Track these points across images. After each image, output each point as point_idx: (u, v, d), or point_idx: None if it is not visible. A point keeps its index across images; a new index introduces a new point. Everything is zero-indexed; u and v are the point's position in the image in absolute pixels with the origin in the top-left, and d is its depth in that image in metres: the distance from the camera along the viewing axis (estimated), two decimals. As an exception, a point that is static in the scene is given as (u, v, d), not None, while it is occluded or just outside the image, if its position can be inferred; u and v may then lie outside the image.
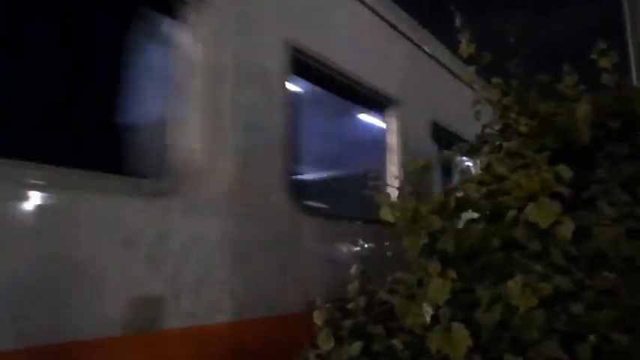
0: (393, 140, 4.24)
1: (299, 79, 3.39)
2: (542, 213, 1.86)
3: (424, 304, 1.88)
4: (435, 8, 3.84)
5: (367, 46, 3.96)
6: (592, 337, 1.77)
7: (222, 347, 2.45)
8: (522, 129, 2.30)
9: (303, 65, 3.26)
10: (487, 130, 2.60)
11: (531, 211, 1.88)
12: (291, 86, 3.16)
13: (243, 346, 2.52)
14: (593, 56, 2.37)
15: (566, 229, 1.85)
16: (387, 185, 3.73)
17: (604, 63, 2.34)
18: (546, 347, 1.73)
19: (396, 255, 2.16)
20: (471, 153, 2.59)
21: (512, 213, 2.01)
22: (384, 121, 4.30)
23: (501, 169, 2.16)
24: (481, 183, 2.22)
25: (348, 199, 3.97)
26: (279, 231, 2.91)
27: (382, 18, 4.17)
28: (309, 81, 3.53)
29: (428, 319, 1.86)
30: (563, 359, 1.71)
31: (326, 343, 2.05)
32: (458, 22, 2.45)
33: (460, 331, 1.73)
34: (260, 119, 2.82)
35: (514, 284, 1.79)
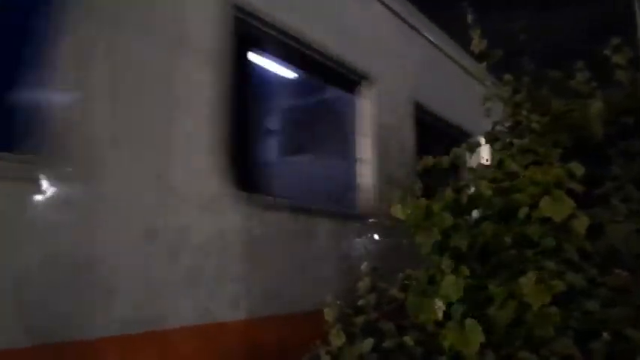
0: (366, 123, 3.66)
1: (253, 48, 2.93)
2: (556, 207, 1.85)
3: (436, 300, 1.87)
4: (446, 7, 3.73)
5: (332, 10, 3.33)
6: (606, 334, 1.77)
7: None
8: (534, 126, 2.29)
9: (256, 32, 2.76)
10: (498, 128, 2.59)
11: (545, 205, 1.87)
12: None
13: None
14: (607, 52, 2.36)
15: (581, 223, 1.84)
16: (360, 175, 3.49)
17: (618, 59, 2.32)
18: (560, 344, 1.73)
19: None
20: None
21: (524, 210, 2.00)
22: (356, 101, 3.68)
23: (513, 166, 2.15)
24: (493, 180, 2.21)
25: (314, 189, 3.70)
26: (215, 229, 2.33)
27: None
28: (265, 51, 3.02)
29: (440, 315, 1.85)
30: (577, 356, 1.71)
31: (337, 340, 2.05)
32: (470, 18, 2.44)
33: (473, 327, 1.73)
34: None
35: (527, 281, 1.78)
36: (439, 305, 1.81)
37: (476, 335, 1.68)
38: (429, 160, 2.48)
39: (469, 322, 1.72)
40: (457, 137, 4.31)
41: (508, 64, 2.59)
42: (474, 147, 2.59)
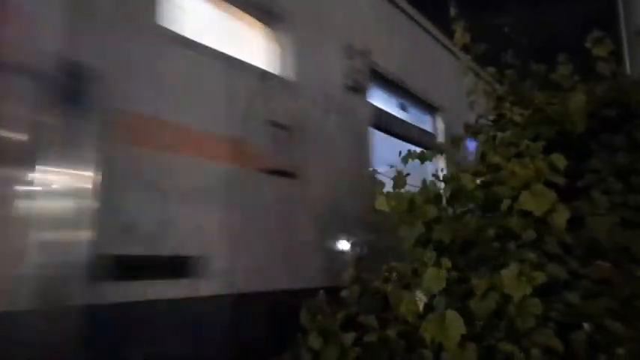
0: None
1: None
2: (536, 201, 1.85)
3: (417, 292, 1.86)
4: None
5: None
6: (587, 326, 1.77)
7: None
8: (517, 118, 2.29)
9: None
10: (481, 121, 2.59)
11: (525, 199, 1.87)
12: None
13: None
14: (588, 45, 2.36)
15: (561, 217, 1.84)
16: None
17: (599, 51, 2.33)
18: (541, 336, 1.73)
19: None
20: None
21: (506, 202, 2.00)
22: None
23: (496, 159, 2.15)
24: (476, 173, 2.21)
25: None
26: None
27: None
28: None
29: (421, 307, 1.85)
30: (557, 348, 1.71)
31: (315, 343, 2.03)
32: (453, 12, 2.44)
33: (454, 319, 1.72)
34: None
35: (509, 273, 1.78)
36: (420, 297, 1.80)
37: (456, 327, 1.68)
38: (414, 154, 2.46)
39: (449, 314, 1.71)
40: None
41: (496, 58, 2.59)
42: (458, 141, 2.59)
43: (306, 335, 2.08)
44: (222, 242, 2.28)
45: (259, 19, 2.79)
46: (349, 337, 2.04)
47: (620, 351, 1.69)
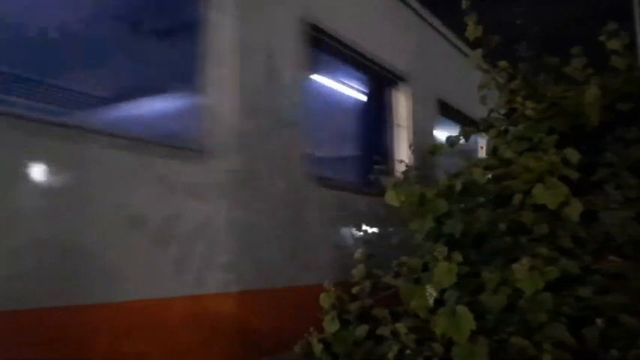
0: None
1: None
2: (550, 194, 1.84)
3: (427, 287, 1.87)
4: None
5: None
6: (599, 321, 1.76)
7: None
8: (529, 112, 2.27)
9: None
10: (493, 115, 2.58)
11: (539, 192, 1.86)
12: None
13: None
14: (602, 38, 2.33)
15: (574, 210, 1.83)
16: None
17: (613, 45, 2.30)
18: (553, 330, 1.72)
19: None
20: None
21: (518, 196, 1.99)
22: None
23: (508, 153, 2.14)
24: (487, 167, 2.20)
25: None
26: None
27: None
28: None
29: (431, 301, 1.85)
30: (570, 343, 1.70)
31: (331, 326, 2.05)
32: (465, 4, 2.42)
33: (464, 314, 1.72)
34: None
35: (521, 267, 1.77)
36: (430, 292, 1.81)
37: (467, 322, 1.68)
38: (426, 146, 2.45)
39: (460, 308, 1.71)
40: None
41: (508, 52, 2.57)
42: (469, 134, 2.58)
43: (318, 325, 2.09)
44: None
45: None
46: (362, 330, 2.05)
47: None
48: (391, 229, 3.32)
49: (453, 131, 2.67)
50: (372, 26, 3.50)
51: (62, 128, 1.82)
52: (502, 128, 2.43)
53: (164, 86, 2.68)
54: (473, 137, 2.64)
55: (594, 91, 2.09)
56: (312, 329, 2.11)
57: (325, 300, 2.07)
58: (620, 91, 2.16)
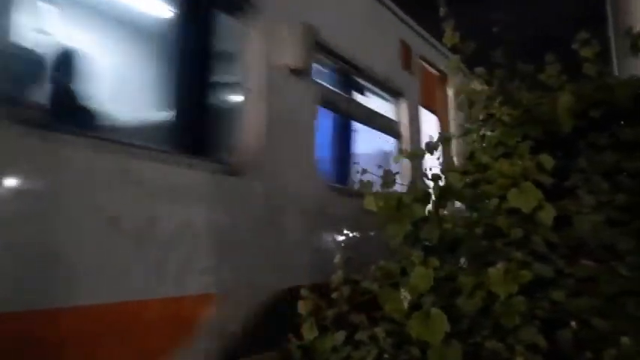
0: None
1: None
2: (524, 198, 1.87)
3: (402, 291, 1.88)
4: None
5: None
6: (573, 323, 1.79)
7: None
8: (505, 118, 2.31)
9: None
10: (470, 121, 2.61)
11: (513, 196, 1.90)
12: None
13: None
14: (575, 46, 2.38)
15: (547, 214, 1.86)
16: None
17: (586, 53, 2.35)
18: (526, 333, 1.75)
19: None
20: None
21: (494, 201, 2.02)
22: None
23: (484, 158, 2.17)
24: (464, 172, 2.23)
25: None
26: None
27: None
28: None
29: (406, 305, 1.86)
30: (542, 345, 1.73)
31: (310, 333, 2.05)
32: (442, 11, 2.45)
33: (438, 317, 1.74)
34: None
35: (495, 271, 1.80)
36: (405, 295, 1.82)
37: (440, 325, 1.70)
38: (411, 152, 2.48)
39: (434, 311, 1.73)
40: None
41: (487, 57, 2.60)
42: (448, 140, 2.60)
43: (297, 331, 2.09)
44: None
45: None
46: (341, 335, 2.06)
47: (612, 352, 1.71)
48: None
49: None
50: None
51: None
52: (479, 133, 2.46)
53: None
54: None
55: (567, 98, 2.13)
56: (290, 336, 2.12)
57: (303, 307, 2.08)
58: (592, 97, 2.20)
